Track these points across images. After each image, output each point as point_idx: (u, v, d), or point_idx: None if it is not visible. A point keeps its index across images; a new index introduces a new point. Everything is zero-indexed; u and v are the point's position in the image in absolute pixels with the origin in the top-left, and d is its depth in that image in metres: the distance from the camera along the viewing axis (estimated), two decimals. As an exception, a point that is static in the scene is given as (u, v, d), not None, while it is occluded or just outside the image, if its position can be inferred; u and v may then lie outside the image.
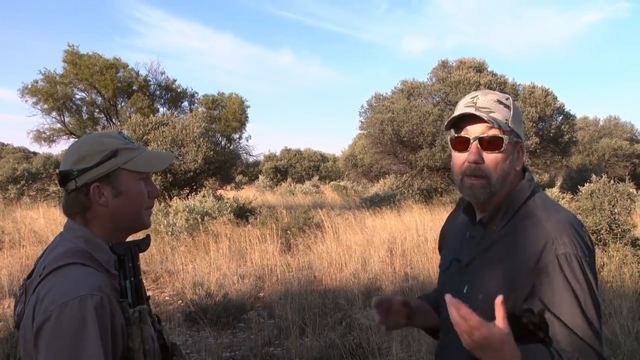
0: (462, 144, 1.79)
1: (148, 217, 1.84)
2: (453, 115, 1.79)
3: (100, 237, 1.69)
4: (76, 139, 2.35)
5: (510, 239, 1.73)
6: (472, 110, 1.74)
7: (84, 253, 1.63)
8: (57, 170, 1.74)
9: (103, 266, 1.64)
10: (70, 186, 1.69)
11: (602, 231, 8.37)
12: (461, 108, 1.80)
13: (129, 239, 1.82)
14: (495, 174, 1.74)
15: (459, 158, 1.80)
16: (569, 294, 1.57)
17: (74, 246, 1.65)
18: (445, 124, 1.85)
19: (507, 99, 1.80)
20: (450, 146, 1.87)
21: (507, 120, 1.74)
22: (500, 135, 1.72)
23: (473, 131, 1.76)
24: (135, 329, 1.56)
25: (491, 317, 1.52)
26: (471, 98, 1.81)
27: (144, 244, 1.74)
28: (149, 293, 2.19)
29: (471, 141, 1.75)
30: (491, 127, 1.73)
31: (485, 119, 1.70)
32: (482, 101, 1.77)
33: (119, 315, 1.55)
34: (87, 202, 1.69)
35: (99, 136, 1.78)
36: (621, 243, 8.19)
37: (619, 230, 8.36)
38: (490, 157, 1.74)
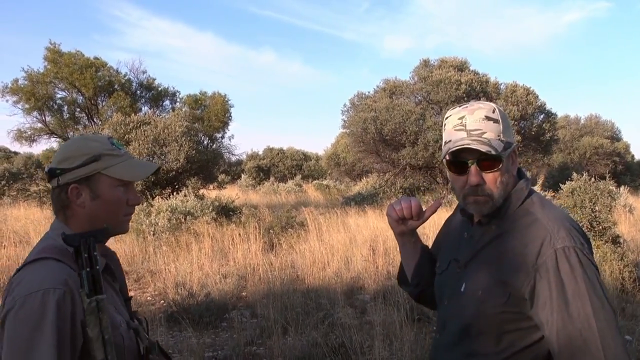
0: (459, 167, 1.79)
1: (126, 223, 1.92)
2: (450, 148, 1.76)
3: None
4: (58, 139, 2.40)
5: (510, 236, 1.74)
6: (466, 141, 1.72)
7: (61, 249, 1.69)
8: (47, 167, 1.83)
9: (77, 262, 1.66)
10: (53, 183, 1.78)
11: (583, 229, 8.44)
12: (451, 132, 1.80)
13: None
14: (497, 190, 1.75)
15: (459, 180, 1.81)
16: (563, 290, 1.58)
17: (53, 242, 1.72)
18: (442, 154, 1.83)
19: (493, 111, 1.78)
20: (446, 168, 1.87)
21: (499, 136, 1.74)
22: (497, 155, 1.71)
23: (470, 154, 1.75)
24: (93, 318, 1.57)
25: (489, 314, 1.54)
26: (459, 119, 1.78)
27: (100, 234, 1.73)
28: (130, 293, 2.22)
29: (469, 165, 1.75)
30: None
31: (484, 150, 1.69)
32: (471, 122, 1.75)
33: (80, 306, 1.60)
34: (66, 201, 1.78)
35: (86, 139, 1.86)
36: (602, 240, 8.26)
37: (600, 227, 8.43)
38: (489, 177, 1.75)
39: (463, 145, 1.72)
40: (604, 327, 1.54)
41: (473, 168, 1.74)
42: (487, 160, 1.73)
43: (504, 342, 1.68)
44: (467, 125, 1.75)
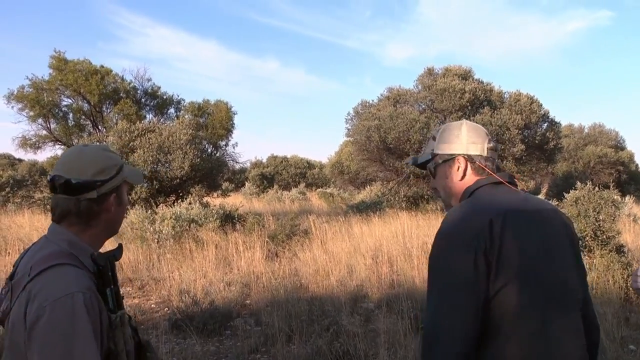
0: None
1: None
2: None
3: (85, 241, 1.81)
4: (62, 146, 2.45)
5: None
6: (411, 162, 2.31)
7: (69, 255, 1.73)
8: (73, 180, 1.79)
9: (87, 268, 1.74)
10: (89, 195, 1.81)
11: (587, 238, 8.43)
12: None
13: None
14: (442, 194, 2.17)
15: None
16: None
17: (59, 248, 1.74)
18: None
19: (437, 130, 2.21)
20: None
21: (432, 150, 2.16)
22: (417, 164, 2.26)
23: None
24: (118, 332, 1.69)
25: None
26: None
27: (119, 252, 1.90)
28: (134, 301, 2.32)
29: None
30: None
31: (411, 163, 2.30)
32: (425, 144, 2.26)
33: (104, 314, 1.67)
34: (98, 211, 1.84)
35: (105, 150, 1.95)
36: (606, 250, 8.25)
37: (604, 237, 8.42)
38: (435, 182, 2.20)
39: (412, 163, 2.31)
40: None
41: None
42: (428, 170, 2.21)
43: None
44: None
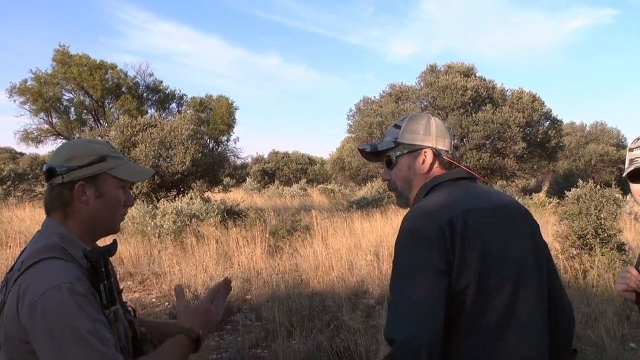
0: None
1: (119, 223, 1.98)
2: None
3: (75, 234, 1.81)
4: (64, 140, 2.44)
5: None
6: (367, 148, 2.16)
7: (59, 248, 1.74)
8: (45, 166, 1.86)
9: (77, 261, 1.73)
10: (56, 180, 1.81)
11: (588, 236, 8.43)
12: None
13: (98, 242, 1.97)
14: (400, 185, 2.06)
15: None
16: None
17: (50, 242, 1.75)
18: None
19: (402, 119, 2.12)
20: None
21: (395, 138, 2.06)
22: (374, 151, 2.13)
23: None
24: (112, 328, 1.68)
25: None
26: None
27: (113, 248, 1.90)
28: (135, 295, 2.32)
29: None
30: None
31: (361, 148, 2.19)
32: (386, 131, 2.16)
33: (97, 299, 1.68)
34: (69, 198, 1.81)
35: (90, 141, 1.94)
36: (607, 248, 8.25)
37: (605, 235, 8.41)
38: (392, 173, 2.09)
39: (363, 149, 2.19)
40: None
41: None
42: (387, 159, 2.09)
43: None
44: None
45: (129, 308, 1.95)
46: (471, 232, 1.72)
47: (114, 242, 1.92)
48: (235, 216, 13.71)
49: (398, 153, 2.04)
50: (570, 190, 10.24)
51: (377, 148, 2.10)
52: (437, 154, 2.01)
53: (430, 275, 1.67)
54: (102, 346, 1.53)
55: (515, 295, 1.77)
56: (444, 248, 1.69)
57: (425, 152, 2.00)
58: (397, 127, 2.08)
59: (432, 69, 22.76)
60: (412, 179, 2.02)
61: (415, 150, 2.02)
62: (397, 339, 1.64)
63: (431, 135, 2.02)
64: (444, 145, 2.03)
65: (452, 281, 1.68)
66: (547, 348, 1.87)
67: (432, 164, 2.00)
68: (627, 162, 2.47)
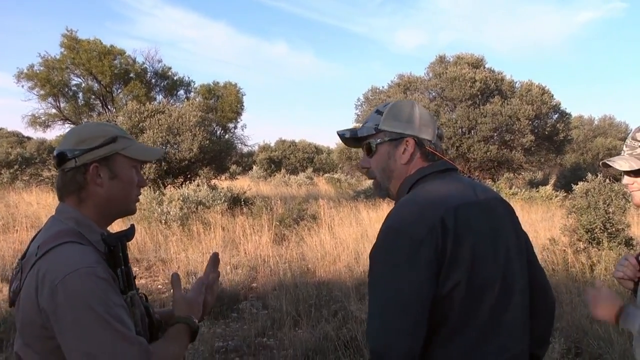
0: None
1: (135, 204, 1.97)
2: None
3: (90, 218, 1.79)
4: (71, 125, 2.43)
5: None
6: (347, 134, 2.04)
7: (76, 233, 1.72)
8: (55, 151, 1.83)
9: (94, 245, 1.73)
10: (69, 165, 1.78)
11: (597, 230, 8.39)
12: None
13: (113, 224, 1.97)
14: (378, 174, 1.97)
15: None
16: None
17: (66, 227, 1.74)
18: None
19: (385, 105, 2.00)
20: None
21: (376, 125, 1.95)
22: (354, 137, 2.02)
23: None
24: (130, 313, 1.68)
25: None
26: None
27: (131, 233, 1.87)
28: (142, 281, 2.32)
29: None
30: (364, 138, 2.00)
31: (340, 133, 2.05)
32: (367, 116, 2.05)
33: (116, 283, 1.68)
34: (83, 182, 1.79)
35: (99, 124, 1.93)
36: (615, 242, 8.22)
37: (613, 229, 8.38)
38: (371, 161, 1.99)
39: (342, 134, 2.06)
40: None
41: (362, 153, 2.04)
42: (367, 146, 1.98)
43: None
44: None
45: (141, 294, 1.94)
46: (462, 230, 1.67)
47: (132, 227, 1.91)
48: (242, 204, 13.72)
49: (378, 140, 1.95)
50: (577, 184, 10.19)
51: (357, 134, 2.01)
52: (419, 144, 1.92)
53: (416, 280, 1.61)
54: (125, 329, 1.54)
55: (502, 292, 1.73)
56: (434, 249, 1.63)
57: (407, 141, 1.91)
58: (379, 112, 1.98)
59: (441, 60, 22.69)
60: (392, 169, 1.93)
61: (396, 139, 1.92)
62: (375, 347, 1.61)
63: (414, 124, 1.93)
64: (427, 134, 1.93)
65: (440, 283, 1.64)
66: (528, 340, 1.86)
67: (412, 154, 1.91)
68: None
